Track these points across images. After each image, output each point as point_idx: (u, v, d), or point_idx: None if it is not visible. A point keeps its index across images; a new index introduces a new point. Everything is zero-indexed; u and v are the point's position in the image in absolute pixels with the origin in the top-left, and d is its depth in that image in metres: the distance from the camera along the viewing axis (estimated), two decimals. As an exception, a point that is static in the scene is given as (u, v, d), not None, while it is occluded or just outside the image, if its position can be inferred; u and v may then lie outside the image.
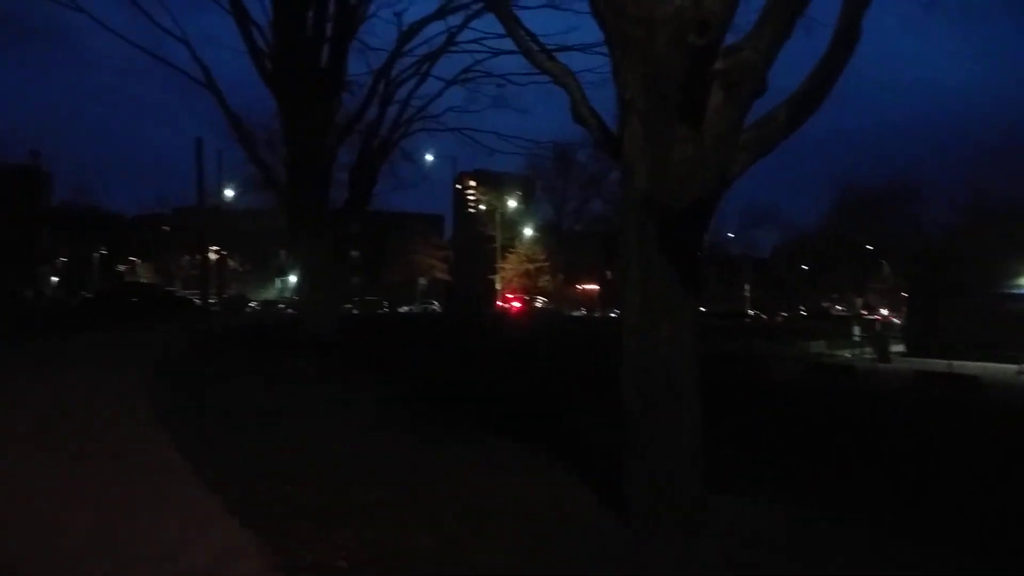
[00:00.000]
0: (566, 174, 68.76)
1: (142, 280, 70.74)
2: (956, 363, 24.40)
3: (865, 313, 64.80)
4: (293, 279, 58.75)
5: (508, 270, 71.87)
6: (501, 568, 4.47)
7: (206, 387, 11.60)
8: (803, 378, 19.97)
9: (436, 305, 69.52)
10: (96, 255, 75.72)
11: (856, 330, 43.85)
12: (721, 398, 7.43)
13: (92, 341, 19.69)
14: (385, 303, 68.76)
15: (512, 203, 71.35)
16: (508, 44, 16.86)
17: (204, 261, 45.35)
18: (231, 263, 70.25)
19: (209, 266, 46.67)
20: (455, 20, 19.27)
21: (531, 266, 72.56)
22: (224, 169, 43.62)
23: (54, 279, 72.69)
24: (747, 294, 77.62)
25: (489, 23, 18.74)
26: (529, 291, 72.92)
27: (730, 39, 4.85)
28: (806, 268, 79.50)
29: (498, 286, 69.99)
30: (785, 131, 5.10)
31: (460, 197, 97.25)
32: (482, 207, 79.33)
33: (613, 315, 50.88)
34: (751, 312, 70.15)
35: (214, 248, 48.58)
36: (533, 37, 6.60)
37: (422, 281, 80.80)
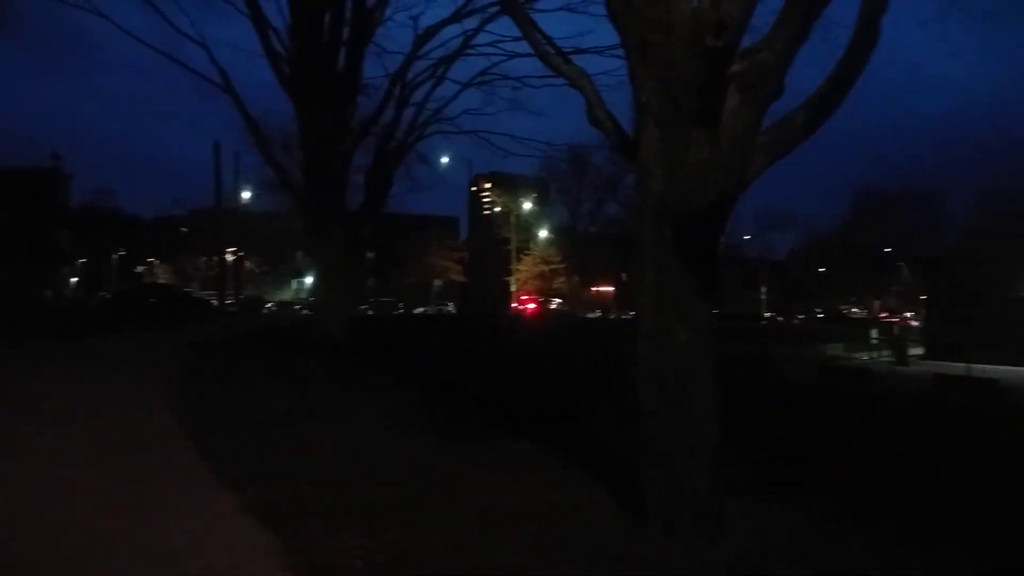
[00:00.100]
0: (581, 177, 68.79)
1: (160, 281, 71.40)
2: (975, 366, 24.17)
3: (885, 316, 64.30)
4: (309, 280, 59.01)
5: (523, 272, 71.90)
6: (516, 570, 4.48)
7: (223, 388, 11.68)
8: (819, 381, 19.86)
9: (451, 307, 69.71)
10: (115, 256, 76.52)
11: (873, 333, 43.54)
12: (737, 401, 7.40)
13: (110, 342, 19.87)
14: (400, 305, 69.01)
15: (527, 205, 71.39)
16: (524, 47, 16.89)
17: (221, 262, 45.74)
18: (248, 264, 70.70)
19: (226, 267, 47.10)
20: (471, 23, 19.34)
21: (546, 268, 72.55)
22: (241, 172, 44.11)
23: (73, 280, 73.43)
24: (763, 297, 77.22)
25: (505, 26, 18.77)
26: (544, 293, 72.90)
27: (747, 41, 4.84)
28: (823, 271, 79.03)
29: (513, 288, 70.06)
30: (803, 134, 5.07)
31: (475, 199, 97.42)
32: (497, 209, 79.44)
33: (627, 317, 50.78)
34: (767, 315, 69.82)
35: (231, 249, 48.99)
36: (549, 40, 6.60)
37: (437, 283, 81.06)
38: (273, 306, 62.84)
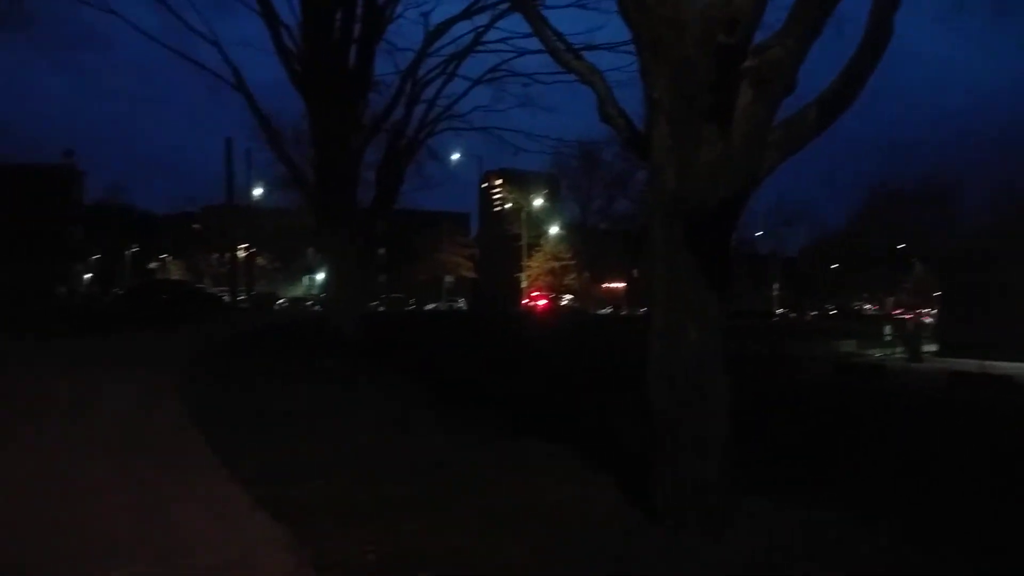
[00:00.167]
0: (592, 173, 68.61)
1: (173, 277, 71.82)
2: (989, 363, 24.00)
3: (898, 312, 63.91)
4: (320, 277, 59.22)
5: (534, 268, 71.88)
6: (528, 566, 4.49)
7: (235, 385, 11.76)
8: (832, 378, 19.76)
9: (461, 303, 69.78)
10: (128, 253, 77.02)
11: (887, 329, 43.33)
12: (748, 399, 7.38)
13: (123, 338, 20.02)
14: (411, 301, 69.14)
15: (538, 201, 71.32)
16: (534, 43, 16.78)
17: (233, 259, 45.98)
18: (260, 261, 71.00)
19: (238, 263, 47.35)
20: (481, 20, 19.30)
21: (557, 264, 72.50)
22: (253, 168, 44.33)
23: (87, 276, 73.95)
24: (775, 293, 76.89)
25: (515, 22, 18.73)
26: (555, 289, 72.87)
27: (759, 37, 4.82)
28: (835, 267, 78.63)
29: (524, 284, 70.05)
30: (815, 130, 5.05)
31: (486, 196, 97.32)
32: (508, 205, 79.35)
33: (638, 313, 50.72)
34: (779, 311, 69.54)
35: (243, 246, 49.22)
36: (560, 36, 6.60)
37: (448, 279, 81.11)
38: (285, 302, 63.08)
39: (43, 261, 57.25)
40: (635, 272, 68.43)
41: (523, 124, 22.47)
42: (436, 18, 19.63)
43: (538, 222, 72.23)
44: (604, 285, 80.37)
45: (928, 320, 54.87)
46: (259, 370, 13.47)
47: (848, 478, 7.09)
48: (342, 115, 17.58)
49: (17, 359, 14.35)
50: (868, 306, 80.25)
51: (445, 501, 5.65)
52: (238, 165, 41.50)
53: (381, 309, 53.20)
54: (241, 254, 48.50)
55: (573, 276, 73.66)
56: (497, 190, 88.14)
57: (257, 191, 49.73)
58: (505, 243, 76.76)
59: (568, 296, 74.59)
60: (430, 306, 67.69)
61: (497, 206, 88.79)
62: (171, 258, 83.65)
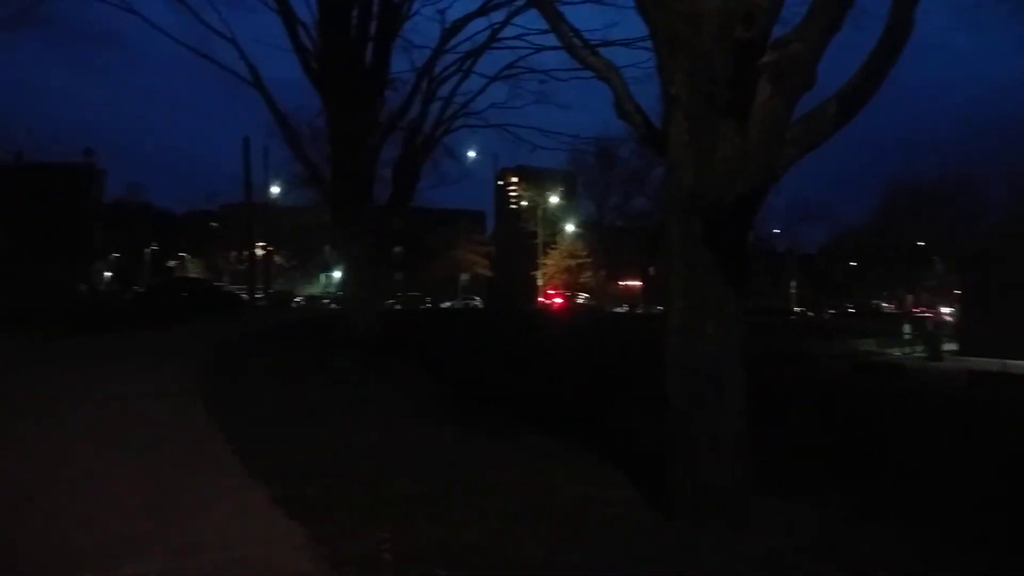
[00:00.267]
0: (608, 170, 68.33)
1: (191, 275, 72.40)
2: (1011, 362, 23.73)
3: (919, 311, 63.32)
4: (337, 274, 59.49)
5: (550, 266, 71.80)
6: (545, 563, 4.48)
7: (253, 382, 11.83)
8: (851, 377, 19.60)
9: (477, 301, 69.84)
10: (147, 251, 77.74)
11: (906, 328, 42.95)
12: (766, 397, 7.34)
13: (144, 336, 20.18)
14: (427, 299, 69.29)
15: (554, 199, 71.20)
16: (551, 40, 16.92)
17: (251, 257, 46.28)
18: (277, 259, 71.43)
19: (256, 261, 47.65)
20: (498, 16, 19.29)
21: (573, 262, 72.36)
22: (270, 167, 44.54)
23: (107, 274, 74.69)
24: (793, 291, 76.38)
25: (531, 19, 18.72)
26: (571, 287, 72.76)
27: (778, 32, 4.78)
28: (854, 264, 77.98)
29: (540, 282, 70.00)
30: (834, 126, 5.00)
31: (502, 193, 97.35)
32: (524, 203, 79.29)
33: (655, 311, 50.57)
34: (797, 309, 69.10)
35: (260, 244, 49.51)
36: (577, 32, 6.57)
37: (464, 277, 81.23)
38: (302, 300, 63.46)
39: (64, 259, 57.87)
40: (651, 270, 68.14)
41: (539, 121, 22.43)
42: (452, 15, 19.68)
43: (554, 220, 72.13)
44: (620, 283, 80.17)
45: (948, 318, 54.33)
46: (277, 367, 13.52)
47: (869, 478, 7.03)
48: (359, 113, 17.64)
49: (44, 356, 14.55)
50: (886, 304, 79.47)
51: (460, 499, 5.65)
52: (256, 163, 41.73)
53: (397, 307, 53.35)
54: (259, 252, 48.79)
55: (589, 274, 73.48)
56: (513, 187, 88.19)
57: (274, 189, 50.00)
58: (521, 241, 76.78)
59: (584, 294, 74.45)
60: (446, 304, 67.78)
61: (513, 204, 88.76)
62: (190, 256, 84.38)
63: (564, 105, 22.25)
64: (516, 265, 77.65)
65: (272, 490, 5.73)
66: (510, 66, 20.77)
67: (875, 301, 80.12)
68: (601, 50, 6.82)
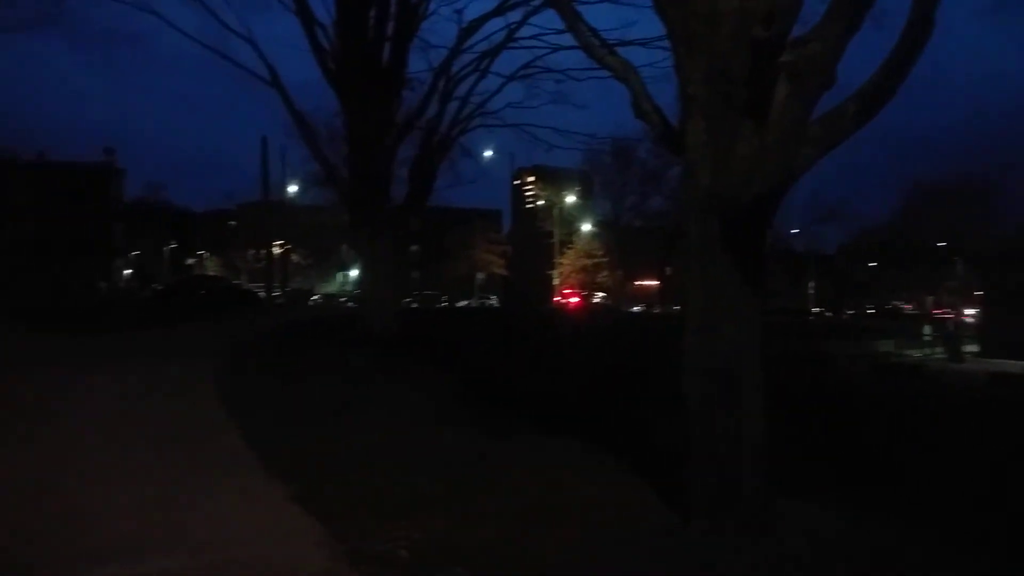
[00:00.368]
0: (625, 169, 68.11)
1: (210, 273, 72.96)
2: (1033, 364, 23.45)
3: (939, 312, 62.61)
4: (354, 273, 59.71)
5: (566, 266, 71.67)
6: (560, 563, 4.48)
7: (270, 380, 11.89)
8: (870, 378, 19.43)
9: (493, 300, 69.87)
10: (166, 249, 78.43)
11: (927, 329, 42.51)
12: (784, 399, 7.29)
13: (164, 333, 20.38)
14: (444, 298, 69.41)
15: (570, 199, 71.05)
16: (567, 39, 16.91)
17: (269, 255, 46.56)
18: (294, 257, 71.81)
19: (273, 260, 47.92)
20: (515, 16, 19.31)
21: (589, 262, 72.20)
22: (288, 166, 44.82)
23: (127, 272, 75.43)
24: (811, 291, 75.78)
25: (548, 18, 18.71)
26: (587, 287, 72.59)
27: (797, 31, 4.75)
28: (873, 265, 77.26)
29: (556, 281, 69.90)
30: (854, 125, 4.95)
31: (518, 193, 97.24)
32: (540, 203, 79.19)
33: (672, 311, 50.37)
34: (816, 309, 68.57)
35: (278, 242, 49.76)
36: (594, 32, 6.54)
37: (480, 276, 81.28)
38: (319, 298, 63.79)
39: (85, 257, 58.52)
40: (668, 270, 67.89)
41: (556, 121, 22.45)
42: (469, 15, 19.70)
43: (570, 219, 71.95)
44: (637, 283, 79.89)
45: (969, 320, 53.71)
46: (294, 365, 13.60)
47: (888, 481, 6.98)
48: (376, 113, 17.72)
49: (69, 353, 14.74)
50: (906, 305, 78.69)
51: (477, 497, 5.66)
52: (273, 163, 41.98)
53: (414, 306, 53.49)
54: (276, 251, 49.05)
55: (605, 274, 73.28)
56: (529, 187, 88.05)
57: (292, 188, 50.28)
58: (537, 240, 76.67)
59: (600, 294, 74.26)
60: (462, 303, 67.87)
61: (529, 203, 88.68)
62: (208, 254, 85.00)
63: (581, 105, 22.26)
64: (532, 264, 77.54)
65: (289, 487, 5.77)
66: (527, 66, 20.78)
67: (895, 302, 79.36)
68: (618, 49, 6.79)
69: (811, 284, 75.76)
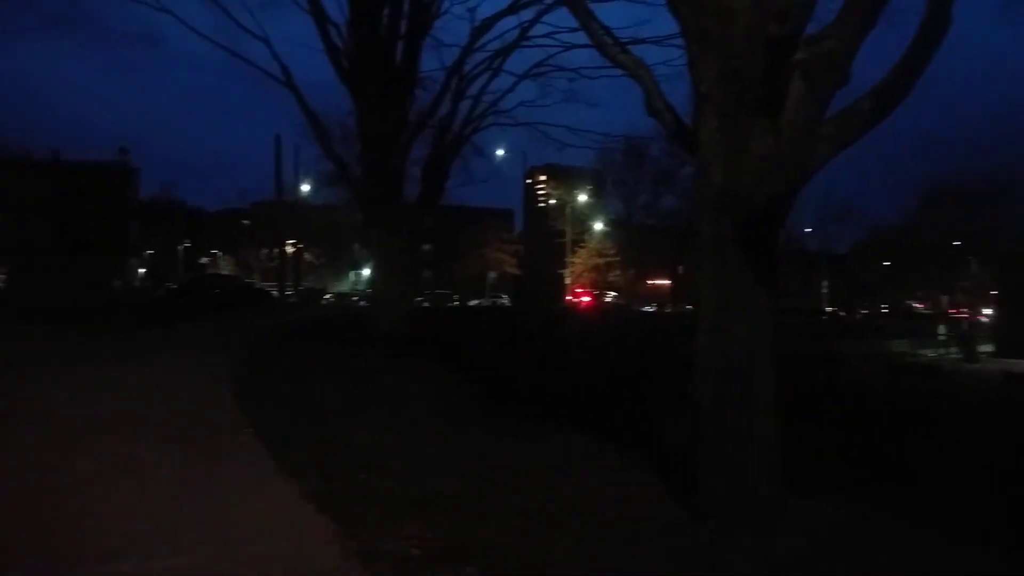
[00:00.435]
0: (637, 168, 67.88)
1: (222, 272, 73.33)
2: (1050, 365, 23.23)
3: (954, 312, 62.14)
4: (367, 272, 59.83)
5: (578, 264, 71.57)
6: (570, 562, 4.48)
7: (283, 378, 11.94)
8: (884, 378, 19.30)
9: (505, 299, 69.85)
10: (180, 248, 78.93)
11: (941, 329, 42.20)
12: (797, 399, 7.26)
13: (177, 331, 20.49)
14: (455, 296, 69.48)
15: (582, 197, 70.91)
16: (580, 38, 16.89)
17: (281, 254, 46.73)
18: (307, 256, 72.04)
19: (286, 259, 48.08)
20: (527, 15, 19.29)
21: (601, 261, 72.05)
22: (301, 165, 44.99)
23: (141, 270, 75.96)
24: (825, 291, 75.35)
25: (561, 17, 18.68)
26: (599, 286, 72.47)
27: (811, 28, 4.72)
28: (887, 265, 76.74)
29: (568, 280, 69.83)
30: (868, 124, 4.92)
31: (530, 192, 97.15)
32: (552, 201, 79.09)
33: (684, 311, 50.22)
34: (829, 309, 68.19)
35: (291, 241, 49.93)
36: (607, 30, 6.53)
37: (492, 275, 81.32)
38: (332, 297, 64.00)
39: (100, 256, 58.97)
40: (680, 269, 67.65)
41: (568, 119, 22.40)
42: (482, 13, 19.74)
43: (582, 218, 71.81)
44: (649, 282, 79.66)
45: (984, 319, 53.25)
46: (307, 364, 13.65)
47: (900, 481, 6.93)
48: (389, 112, 17.75)
49: (87, 350, 14.85)
50: (919, 305, 78.11)
51: (486, 496, 5.66)
52: (286, 162, 42.11)
53: (426, 304, 53.58)
54: (289, 250, 49.21)
55: (617, 273, 73.12)
56: (541, 186, 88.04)
57: (305, 187, 50.46)
58: (549, 239, 76.59)
59: (612, 293, 74.10)
60: (474, 302, 67.92)
61: (541, 202, 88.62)
62: (221, 253, 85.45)
63: (593, 103, 22.22)
64: (544, 263, 77.52)
65: (303, 484, 5.79)
66: (539, 64, 20.77)
67: (909, 301, 78.80)
68: (631, 47, 6.78)
69: (824, 284, 75.32)
